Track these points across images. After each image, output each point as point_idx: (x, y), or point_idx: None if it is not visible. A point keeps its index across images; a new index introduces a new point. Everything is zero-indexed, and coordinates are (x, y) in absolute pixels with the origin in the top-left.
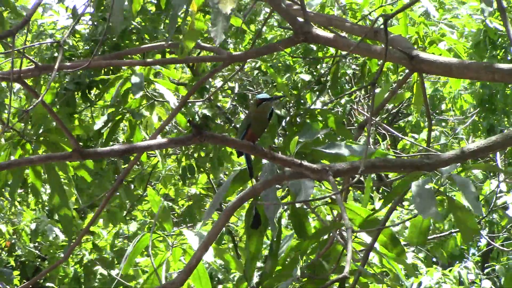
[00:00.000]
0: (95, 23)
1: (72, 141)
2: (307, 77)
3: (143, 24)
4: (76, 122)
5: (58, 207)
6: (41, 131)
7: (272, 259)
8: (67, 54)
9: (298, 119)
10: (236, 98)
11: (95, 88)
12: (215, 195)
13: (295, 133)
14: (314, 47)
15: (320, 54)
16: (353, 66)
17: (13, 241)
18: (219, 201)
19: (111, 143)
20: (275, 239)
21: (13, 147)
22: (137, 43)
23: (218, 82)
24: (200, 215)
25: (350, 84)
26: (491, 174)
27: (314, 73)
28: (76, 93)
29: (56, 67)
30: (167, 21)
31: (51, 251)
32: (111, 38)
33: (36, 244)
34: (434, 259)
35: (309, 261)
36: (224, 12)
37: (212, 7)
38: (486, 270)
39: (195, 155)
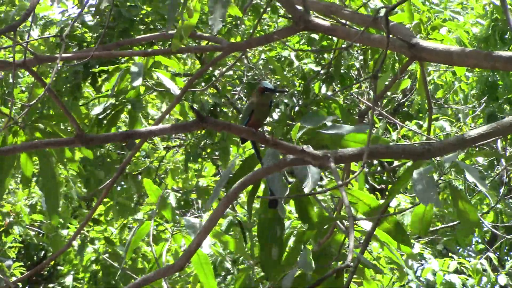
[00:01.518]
0: (102, 10)
1: (75, 126)
2: (314, 67)
3: (149, 13)
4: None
5: (47, 196)
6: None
7: (278, 245)
8: (75, 41)
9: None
10: (245, 87)
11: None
12: (218, 181)
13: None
14: (317, 37)
15: (324, 43)
16: (360, 57)
17: (11, 218)
18: (221, 187)
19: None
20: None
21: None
22: (143, 33)
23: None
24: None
25: (358, 74)
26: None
27: (322, 62)
28: (82, 80)
29: (58, 61)
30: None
31: (52, 228)
32: (118, 26)
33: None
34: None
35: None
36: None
37: None
38: (507, 267)
39: (202, 143)
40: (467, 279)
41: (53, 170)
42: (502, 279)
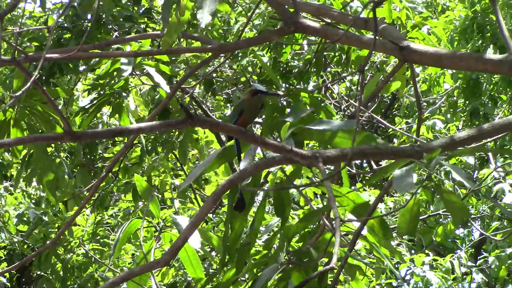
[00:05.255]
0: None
1: (64, 122)
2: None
3: (115, 14)
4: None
5: (43, 172)
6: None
7: (251, 236)
8: (37, 43)
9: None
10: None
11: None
12: (197, 165)
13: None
14: None
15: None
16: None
17: None
18: (200, 172)
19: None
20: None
21: None
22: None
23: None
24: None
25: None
26: (485, 163)
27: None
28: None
29: (42, 58)
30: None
31: (39, 237)
32: (81, 25)
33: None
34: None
35: (296, 247)
36: None
37: None
38: (478, 262)
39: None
40: (443, 276)
41: (45, 146)
42: (478, 275)
